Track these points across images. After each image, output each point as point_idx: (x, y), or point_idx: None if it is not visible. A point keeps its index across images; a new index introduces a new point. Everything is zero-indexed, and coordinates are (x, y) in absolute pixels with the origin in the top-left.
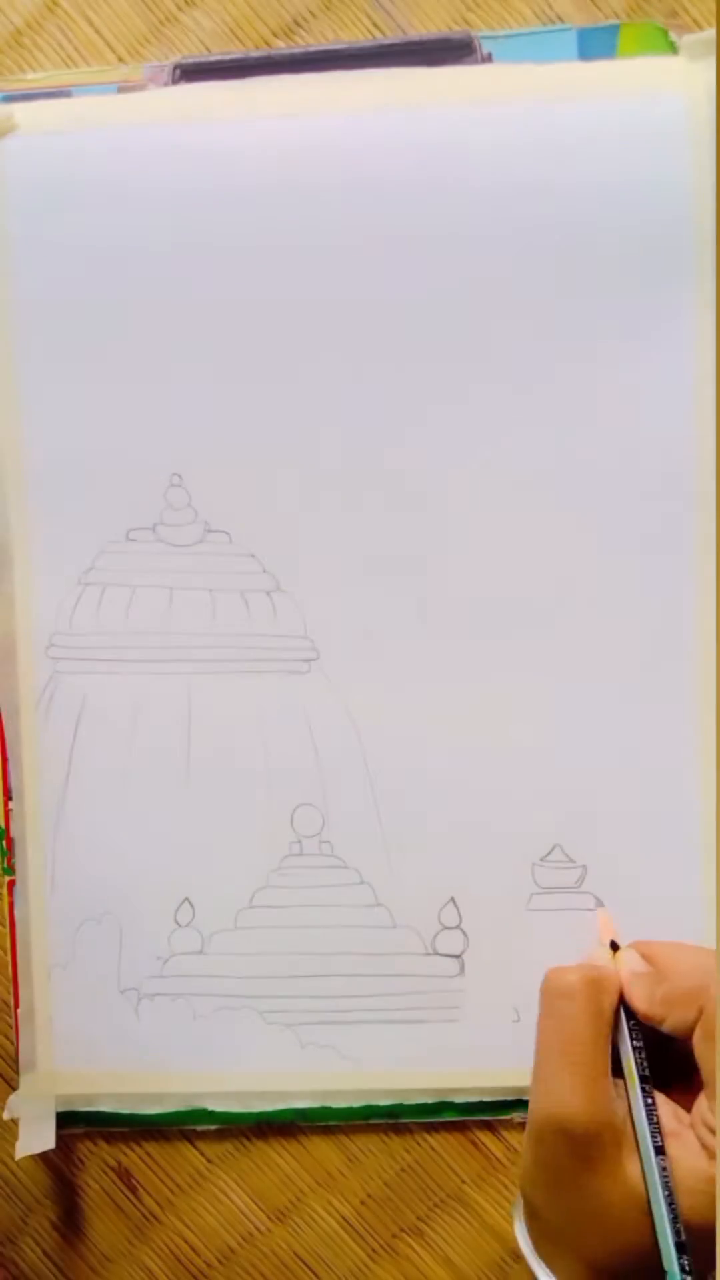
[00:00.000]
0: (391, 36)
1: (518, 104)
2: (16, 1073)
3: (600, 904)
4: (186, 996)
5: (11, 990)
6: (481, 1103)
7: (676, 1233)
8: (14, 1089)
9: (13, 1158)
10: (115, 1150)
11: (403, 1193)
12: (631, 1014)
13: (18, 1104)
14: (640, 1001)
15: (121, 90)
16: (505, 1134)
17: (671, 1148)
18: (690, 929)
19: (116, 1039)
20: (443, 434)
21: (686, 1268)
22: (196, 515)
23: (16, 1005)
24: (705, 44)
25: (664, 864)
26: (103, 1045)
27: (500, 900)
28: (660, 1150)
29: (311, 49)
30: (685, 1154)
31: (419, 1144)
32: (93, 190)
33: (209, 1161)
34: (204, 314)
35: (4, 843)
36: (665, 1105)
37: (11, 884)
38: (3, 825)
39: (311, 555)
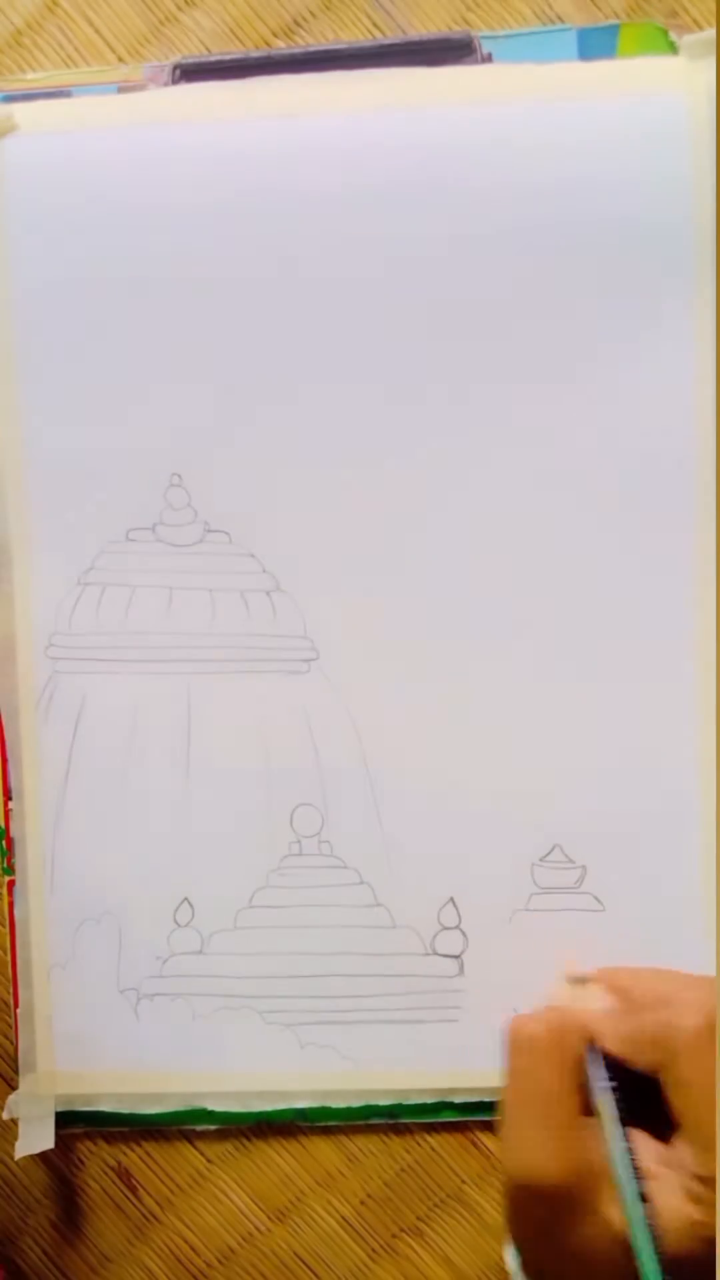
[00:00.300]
0: (391, 36)
1: (518, 104)
2: (16, 1073)
3: (600, 904)
4: (186, 996)
5: (11, 990)
6: (481, 1103)
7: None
8: (13, 1089)
9: (12, 1158)
10: (115, 1150)
11: (402, 1193)
12: (602, 1053)
13: (17, 1104)
14: (610, 1041)
15: (121, 90)
16: None
17: (652, 1191)
18: (690, 929)
19: (116, 1039)
20: (443, 434)
21: None
22: (196, 515)
23: (16, 1005)
24: (705, 44)
25: (664, 864)
26: (102, 1045)
27: (500, 900)
28: (643, 1197)
29: (311, 49)
30: (668, 1197)
31: (419, 1144)
32: (93, 190)
33: (209, 1161)
34: (204, 314)
35: (4, 843)
36: (644, 1144)
37: (11, 884)
38: (3, 825)
39: (311, 555)
